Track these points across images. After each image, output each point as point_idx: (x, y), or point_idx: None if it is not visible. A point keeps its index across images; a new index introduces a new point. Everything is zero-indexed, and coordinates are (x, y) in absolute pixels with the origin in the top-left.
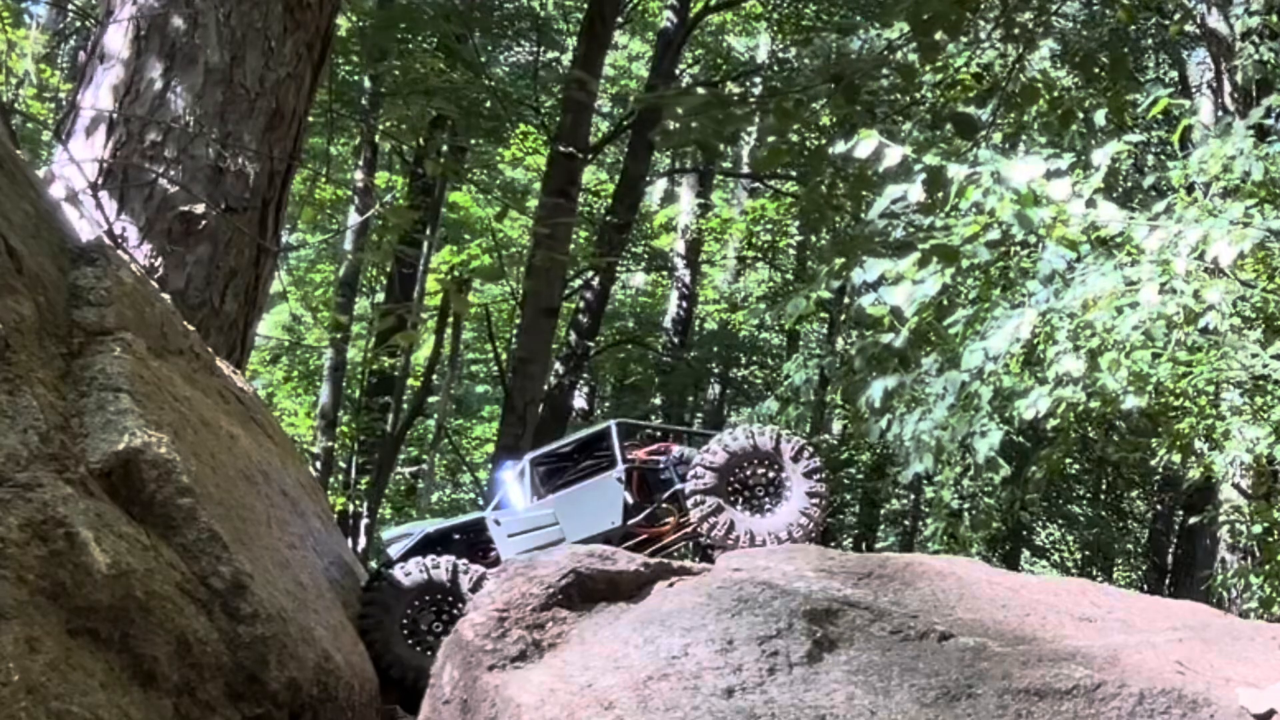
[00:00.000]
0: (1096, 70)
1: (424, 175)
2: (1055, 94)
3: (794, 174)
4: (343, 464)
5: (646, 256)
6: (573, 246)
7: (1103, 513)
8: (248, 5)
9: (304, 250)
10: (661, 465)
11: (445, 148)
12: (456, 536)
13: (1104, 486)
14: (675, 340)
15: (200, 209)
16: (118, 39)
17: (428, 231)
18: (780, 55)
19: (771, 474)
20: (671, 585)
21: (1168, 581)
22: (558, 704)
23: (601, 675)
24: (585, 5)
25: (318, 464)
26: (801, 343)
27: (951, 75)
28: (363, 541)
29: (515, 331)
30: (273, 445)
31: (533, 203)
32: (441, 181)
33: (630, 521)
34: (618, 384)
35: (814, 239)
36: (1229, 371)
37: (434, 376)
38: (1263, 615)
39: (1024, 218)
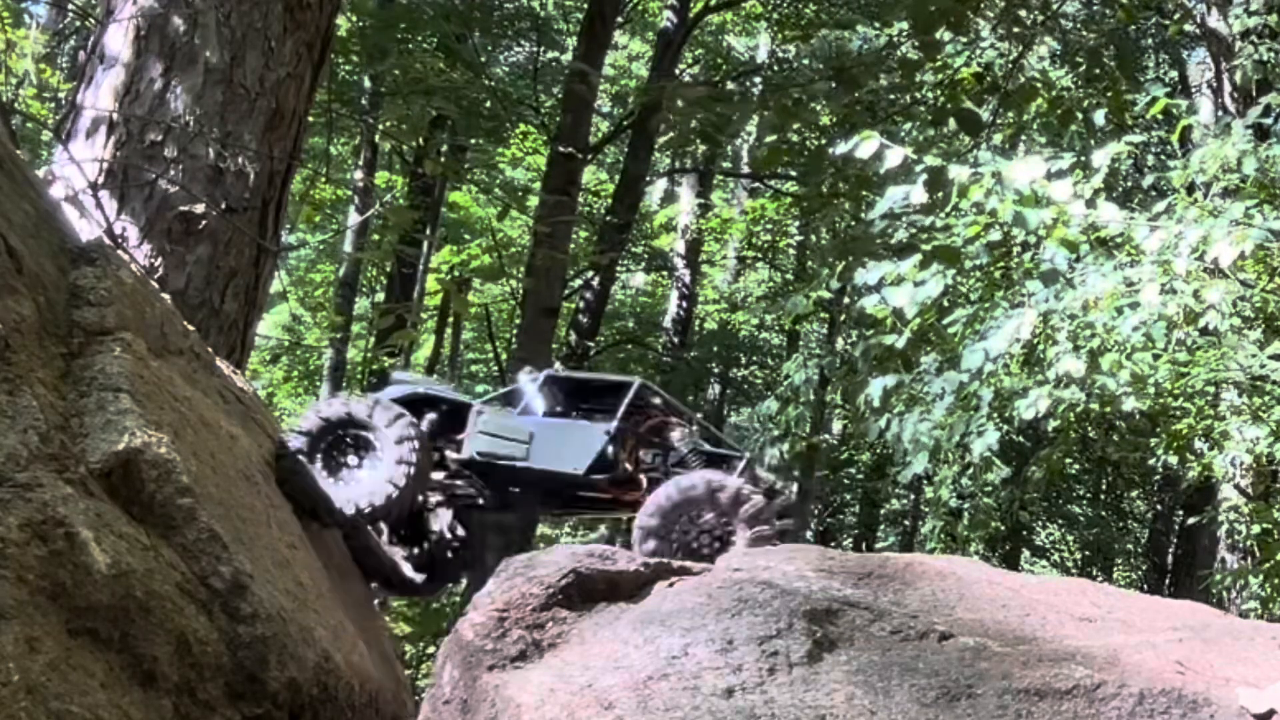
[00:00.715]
0: (1099, 70)
1: (424, 175)
2: (1055, 94)
3: (794, 174)
4: None
5: (646, 256)
6: (573, 246)
7: (1103, 513)
8: (248, 5)
9: (304, 250)
10: (657, 443)
11: (445, 147)
12: (444, 407)
13: (1104, 486)
14: (675, 340)
15: (200, 209)
16: (118, 39)
17: (428, 231)
18: (780, 55)
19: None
20: (671, 585)
21: (1168, 581)
22: (558, 704)
23: (601, 675)
24: (585, 5)
25: None
26: (801, 343)
27: (952, 75)
28: None
29: (515, 331)
30: (273, 445)
31: (533, 202)
32: (441, 181)
33: (594, 476)
34: None
35: (814, 239)
36: (1227, 372)
37: (434, 376)
38: (1262, 615)
39: (1021, 217)
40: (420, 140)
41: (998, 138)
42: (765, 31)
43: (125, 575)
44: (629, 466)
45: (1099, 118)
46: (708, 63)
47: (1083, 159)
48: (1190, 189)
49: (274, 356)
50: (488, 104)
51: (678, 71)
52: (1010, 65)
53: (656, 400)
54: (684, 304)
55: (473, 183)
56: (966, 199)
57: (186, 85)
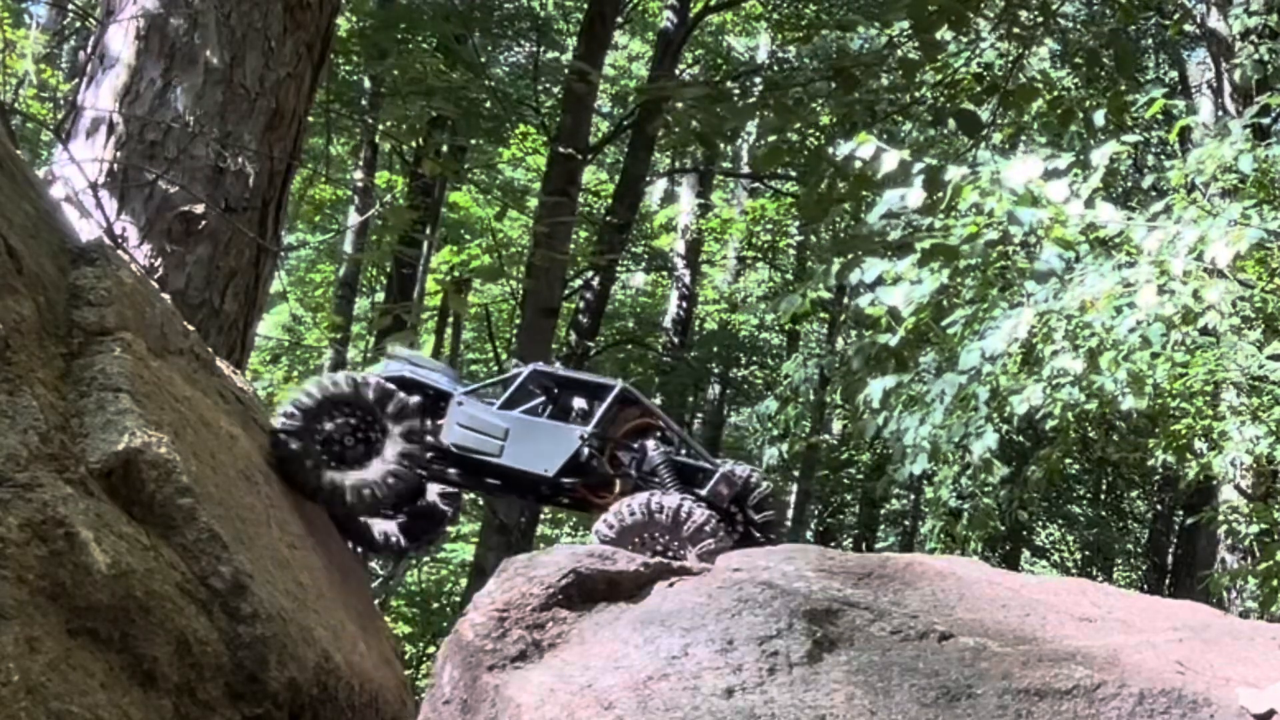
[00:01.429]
0: (1100, 70)
1: (424, 175)
2: (1055, 94)
3: (794, 174)
4: None
5: (646, 256)
6: (573, 246)
7: (1103, 513)
8: (248, 5)
9: (304, 250)
10: (635, 447)
11: (445, 148)
12: (430, 392)
13: (1104, 486)
14: (675, 340)
15: (200, 209)
16: (118, 39)
17: (428, 231)
18: (780, 55)
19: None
20: (671, 585)
21: (1168, 581)
22: (558, 704)
23: (601, 675)
24: (585, 5)
25: None
26: (801, 342)
27: (952, 74)
28: None
29: (515, 331)
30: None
31: (533, 202)
32: (441, 181)
33: (564, 479)
34: None
35: (814, 239)
36: (1226, 372)
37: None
38: (1262, 615)
39: (1015, 215)
40: (420, 140)
41: (998, 137)
42: (765, 31)
43: (125, 575)
44: (609, 468)
45: (1099, 118)
46: (708, 63)
47: (1082, 158)
48: (1190, 189)
49: (274, 356)
50: (488, 104)
51: (678, 71)
52: (1010, 65)
53: (637, 405)
54: (684, 304)
55: (472, 183)
56: (963, 200)
57: (186, 85)
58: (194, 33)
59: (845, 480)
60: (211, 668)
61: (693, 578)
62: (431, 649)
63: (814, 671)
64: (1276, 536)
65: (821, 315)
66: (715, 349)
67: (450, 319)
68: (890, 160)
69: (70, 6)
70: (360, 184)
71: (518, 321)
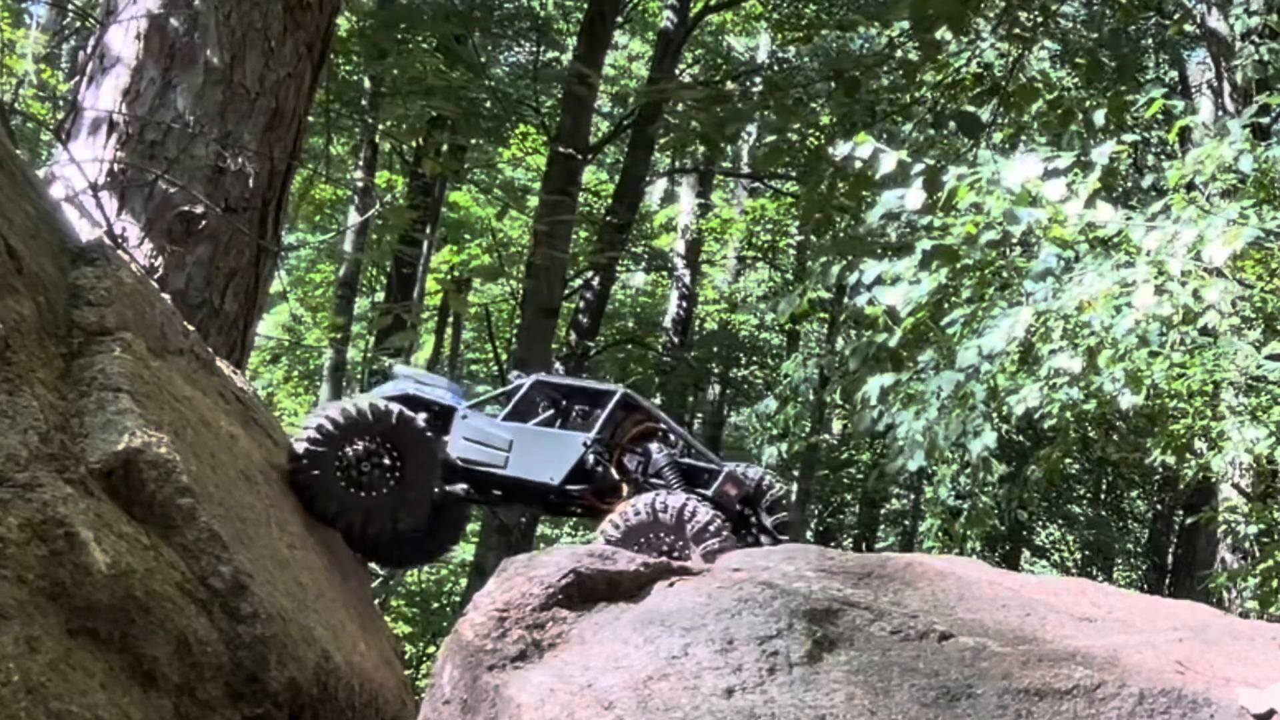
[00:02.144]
0: (1100, 71)
1: (424, 175)
2: (1055, 94)
3: (794, 174)
4: None
5: (646, 256)
6: (573, 246)
7: (1103, 513)
8: (248, 5)
9: (304, 250)
10: (639, 451)
11: (445, 147)
12: (435, 409)
13: (1104, 486)
14: (675, 340)
15: (200, 209)
16: (118, 39)
17: (428, 231)
18: (780, 55)
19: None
20: (671, 585)
21: (1168, 581)
22: (558, 704)
23: (601, 675)
24: (585, 5)
25: None
26: (801, 342)
27: (953, 74)
28: None
29: (515, 331)
30: (273, 445)
31: (533, 202)
32: (441, 181)
33: (570, 486)
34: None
35: (814, 239)
36: (1223, 372)
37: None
38: (1262, 615)
39: (1011, 215)
40: (420, 140)
41: (998, 137)
42: (765, 32)
43: (125, 575)
44: (614, 473)
45: (1099, 118)
46: (708, 63)
47: (1081, 158)
48: (1190, 187)
49: (274, 356)
50: (488, 104)
51: (678, 71)
52: (1010, 65)
53: (639, 409)
54: (684, 304)
55: (472, 183)
56: (961, 200)
57: (186, 85)
58: (194, 33)
59: (845, 480)
60: (211, 668)
61: (693, 578)
62: (431, 649)
63: (814, 671)
64: (1276, 536)
65: (821, 315)
66: (715, 349)
67: (450, 319)
68: (889, 160)
69: (70, 6)
70: (360, 184)
71: (518, 321)
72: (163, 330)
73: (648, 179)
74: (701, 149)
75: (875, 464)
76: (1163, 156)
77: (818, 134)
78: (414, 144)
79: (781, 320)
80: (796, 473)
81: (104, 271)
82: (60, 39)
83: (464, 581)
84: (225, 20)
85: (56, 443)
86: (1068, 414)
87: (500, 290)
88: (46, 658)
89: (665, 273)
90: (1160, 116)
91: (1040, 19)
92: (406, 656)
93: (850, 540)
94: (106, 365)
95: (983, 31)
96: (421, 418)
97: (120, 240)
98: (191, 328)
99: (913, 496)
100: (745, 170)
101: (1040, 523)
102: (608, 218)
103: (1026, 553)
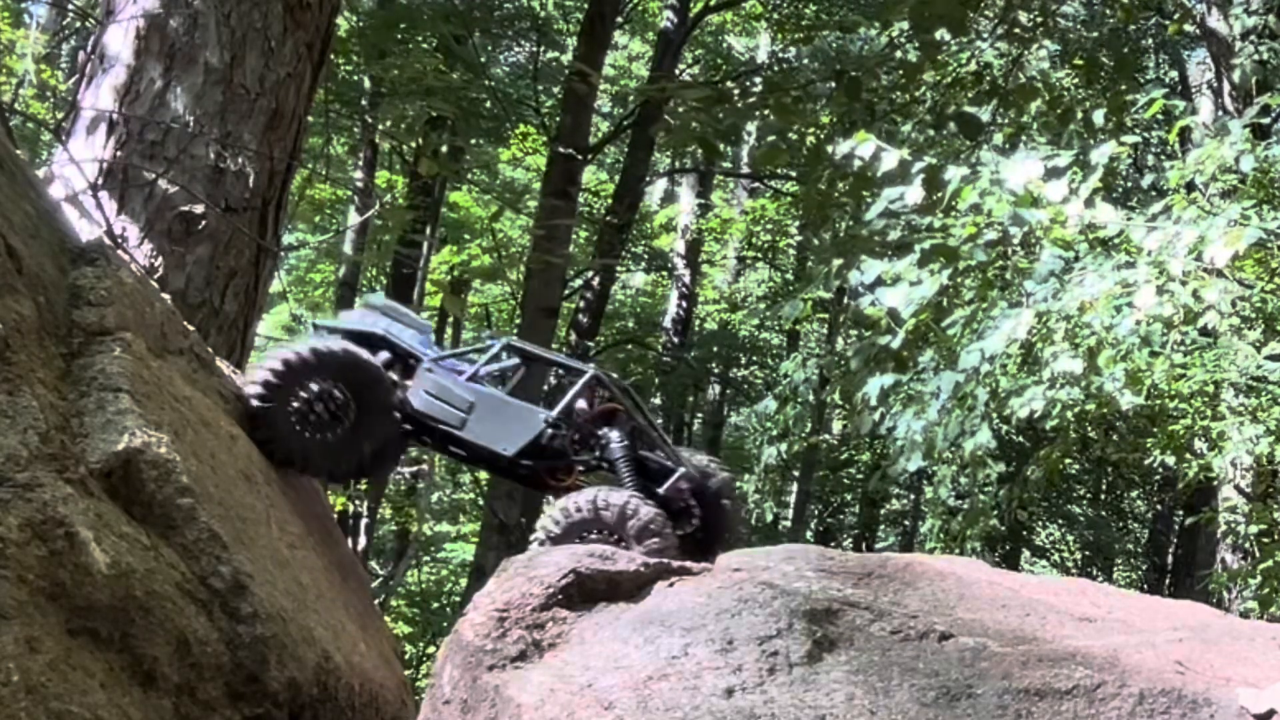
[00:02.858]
0: (1100, 72)
1: (423, 175)
2: (1055, 94)
3: (794, 174)
4: None
5: (646, 256)
6: (573, 246)
7: (1103, 513)
8: (248, 5)
9: (304, 250)
10: (599, 434)
11: (445, 148)
12: (397, 350)
13: (1104, 486)
14: (675, 340)
15: (200, 209)
16: (118, 39)
17: (427, 231)
18: (780, 55)
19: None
20: (671, 585)
21: (1168, 581)
22: (558, 704)
23: (601, 675)
24: (585, 5)
25: None
26: (801, 342)
27: (953, 74)
28: (363, 541)
29: (515, 331)
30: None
31: (533, 203)
32: (441, 181)
33: (524, 460)
34: None
35: (814, 239)
36: (1223, 372)
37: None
38: (1262, 615)
39: (1018, 216)
40: (419, 140)
41: (998, 138)
42: (765, 31)
43: (125, 575)
44: (570, 453)
45: (1099, 118)
46: (708, 63)
47: (1081, 158)
48: (1190, 188)
49: None
50: (487, 104)
51: (678, 71)
52: (1010, 65)
53: (608, 392)
54: (684, 304)
55: (472, 183)
56: (962, 198)
57: (186, 85)
58: (194, 33)
59: (845, 480)
60: (211, 668)
61: (693, 578)
62: (431, 649)
63: (814, 671)
64: (1276, 536)
65: (821, 315)
66: (715, 349)
67: (450, 319)
68: (890, 159)
69: (70, 6)
70: (360, 184)
71: (518, 321)
72: (163, 330)
73: (648, 179)
74: (702, 151)
75: (876, 465)
76: (1163, 156)
77: (817, 133)
78: (413, 144)
79: (785, 323)
80: (796, 473)
81: (104, 271)
82: (60, 39)
83: (464, 581)
84: (225, 20)
85: (56, 443)
86: (1068, 414)
87: (500, 290)
88: (46, 658)
89: (665, 273)
90: (1160, 116)
91: (1040, 19)
92: (406, 656)
93: (850, 540)
94: (106, 365)
95: (982, 31)
96: (380, 356)
97: (120, 240)
98: (191, 328)
99: (913, 496)
100: (745, 170)
101: (1040, 523)
102: (608, 218)
103: (1026, 553)
